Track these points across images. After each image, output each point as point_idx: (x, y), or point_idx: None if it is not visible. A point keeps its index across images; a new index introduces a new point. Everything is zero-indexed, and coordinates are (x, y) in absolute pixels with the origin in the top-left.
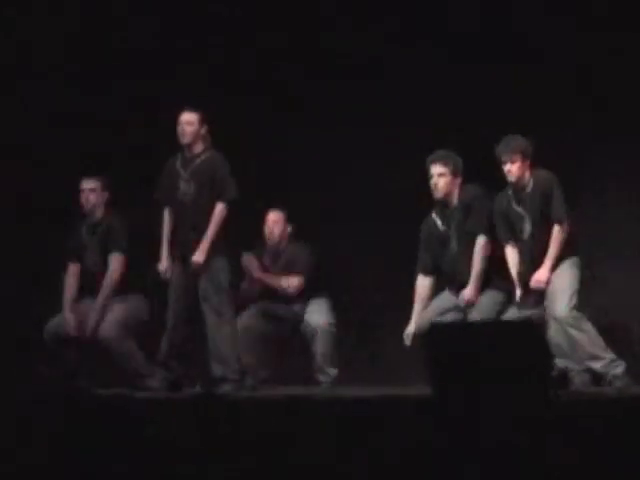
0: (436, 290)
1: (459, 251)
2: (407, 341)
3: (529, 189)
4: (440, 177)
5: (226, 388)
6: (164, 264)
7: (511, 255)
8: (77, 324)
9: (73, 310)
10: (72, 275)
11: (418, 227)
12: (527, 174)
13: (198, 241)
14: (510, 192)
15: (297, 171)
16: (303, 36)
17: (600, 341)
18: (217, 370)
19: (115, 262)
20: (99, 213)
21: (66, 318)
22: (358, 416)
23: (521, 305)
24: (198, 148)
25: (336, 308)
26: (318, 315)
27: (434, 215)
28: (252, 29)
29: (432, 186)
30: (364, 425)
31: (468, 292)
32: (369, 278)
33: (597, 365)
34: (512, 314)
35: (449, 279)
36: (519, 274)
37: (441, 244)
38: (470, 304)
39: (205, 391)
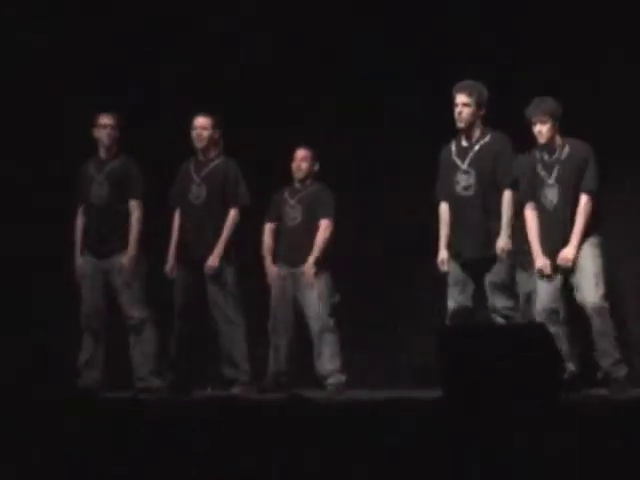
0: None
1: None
2: (442, 267)
3: (563, 156)
4: (464, 107)
5: (237, 390)
6: (170, 265)
7: (531, 218)
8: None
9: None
10: (81, 217)
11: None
12: (558, 138)
13: (206, 244)
14: (537, 155)
15: None
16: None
17: (615, 339)
18: (229, 373)
19: (137, 210)
20: (113, 150)
21: (78, 266)
22: (366, 419)
23: (547, 278)
24: (212, 153)
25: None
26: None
27: (453, 147)
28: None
29: (455, 114)
30: (374, 428)
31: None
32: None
33: (605, 362)
34: (531, 284)
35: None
36: (540, 243)
37: (453, 174)
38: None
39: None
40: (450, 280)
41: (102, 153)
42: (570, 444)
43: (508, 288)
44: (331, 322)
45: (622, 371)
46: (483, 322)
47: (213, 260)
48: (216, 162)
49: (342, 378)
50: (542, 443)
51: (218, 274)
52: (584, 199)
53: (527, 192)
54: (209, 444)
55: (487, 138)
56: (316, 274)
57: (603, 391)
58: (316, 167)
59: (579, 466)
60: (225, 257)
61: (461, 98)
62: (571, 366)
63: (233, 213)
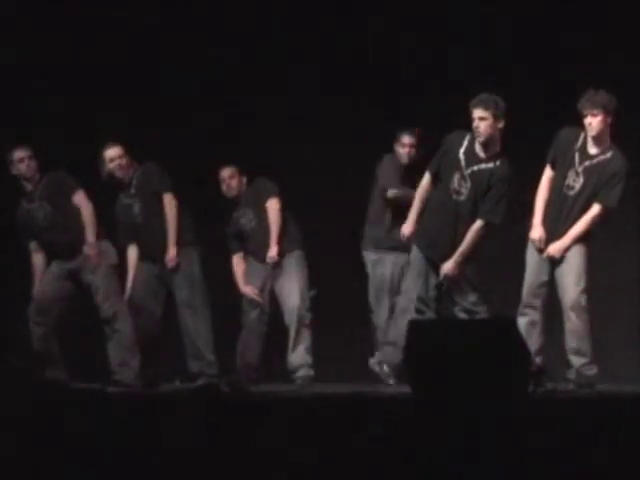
0: None
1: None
2: (404, 239)
3: (601, 157)
4: (481, 121)
5: (202, 383)
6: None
7: (545, 184)
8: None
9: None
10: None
11: None
12: (607, 136)
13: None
14: (582, 138)
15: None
16: None
17: (589, 338)
18: (194, 365)
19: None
20: (130, 173)
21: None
22: (337, 415)
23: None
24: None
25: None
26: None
27: (465, 143)
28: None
29: (474, 129)
30: (344, 424)
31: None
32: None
33: (578, 361)
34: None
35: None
36: (545, 216)
37: (452, 170)
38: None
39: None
40: (413, 271)
41: None
42: (539, 439)
43: (470, 282)
44: (308, 317)
45: (592, 371)
46: (450, 318)
47: (170, 252)
48: (137, 173)
49: (311, 372)
50: (511, 439)
51: (178, 264)
52: (597, 209)
53: (554, 161)
54: (176, 437)
55: (497, 163)
56: (296, 267)
57: (571, 386)
58: (244, 180)
59: (548, 461)
60: (181, 244)
61: (478, 112)
62: (538, 360)
63: (167, 200)
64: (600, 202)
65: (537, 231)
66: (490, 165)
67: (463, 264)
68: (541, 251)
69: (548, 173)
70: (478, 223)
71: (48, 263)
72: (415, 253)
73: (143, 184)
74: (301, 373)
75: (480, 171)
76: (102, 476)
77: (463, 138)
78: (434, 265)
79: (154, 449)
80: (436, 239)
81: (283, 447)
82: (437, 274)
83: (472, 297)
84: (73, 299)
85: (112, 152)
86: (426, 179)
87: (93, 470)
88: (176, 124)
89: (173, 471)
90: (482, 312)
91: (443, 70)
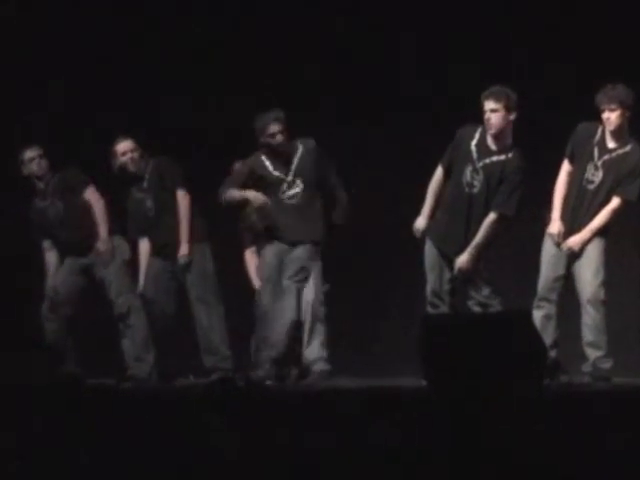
0: None
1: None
2: (417, 234)
3: (621, 150)
4: (492, 113)
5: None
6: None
7: (563, 179)
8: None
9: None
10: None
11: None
12: (626, 130)
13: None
14: (600, 132)
15: None
16: None
17: (605, 331)
18: (208, 360)
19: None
20: (142, 167)
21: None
22: (354, 409)
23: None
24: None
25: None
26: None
27: (477, 135)
28: None
29: (485, 122)
30: (361, 419)
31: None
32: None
33: (594, 354)
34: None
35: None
36: (564, 211)
37: (464, 163)
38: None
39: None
40: (427, 265)
41: None
42: (555, 432)
43: (484, 275)
44: (322, 311)
45: (608, 364)
46: (466, 312)
47: (182, 249)
48: (150, 167)
49: (327, 367)
50: (528, 431)
51: (191, 260)
52: (616, 203)
53: (572, 156)
54: (186, 432)
55: (510, 155)
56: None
57: (586, 379)
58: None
59: (563, 454)
60: (194, 240)
61: (489, 104)
62: (553, 354)
63: (180, 196)
64: (620, 195)
65: (556, 225)
66: (502, 157)
67: (477, 257)
68: (559, 245)
69: (566, 167)
70: (492, 216)
71: (61, 260)
72: (428, 247)
73: (156, 179)
74: (317, 367)
75: (492, 163)
76: (116, 472)
77: (475, 131)
78: (448, 259)
79: (169, 444)
80: (449, 233)
81: (299, 442)
82: (451, 268)
83: (486, 290)
84: (87, 294)
85: (123, 146)
86: (438, 173)
87: (107, 466)
88: (193, 120)
89: (187, 467)
90: (496, 305)
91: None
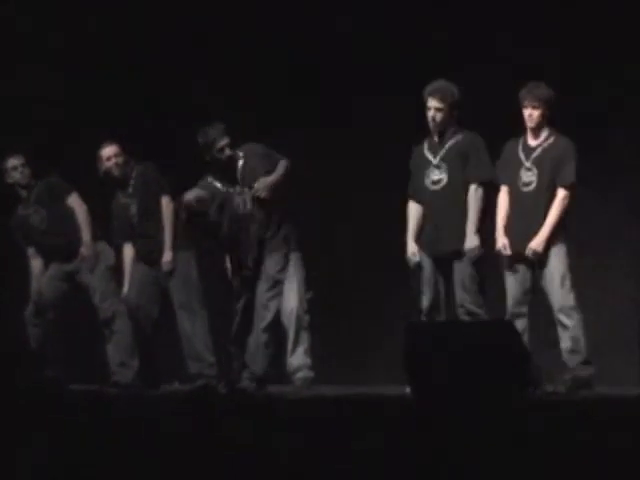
0: None
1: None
2: (413, 259)
3: (546, 144)
4: (437, 112)
5: (201, 384)
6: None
7: (502, 200)
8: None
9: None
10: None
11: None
12: (546, 128)
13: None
14: (521, 139)
15: None
16: None
17: (583, 337)
18: (193, 367)
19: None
20: (128, 172)
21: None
22: (338, 417)
23: (512, 268)
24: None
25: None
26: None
27: (425, 144)
28: None
29: (429, 119)
30: (344, 426)
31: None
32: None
33: (574, 361)
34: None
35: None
36: (507, 227)
37: (424, 168)
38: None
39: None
40: (423, 280)
41: None
42: (539, 439)
43: (475, 284)
44: (306, 319)
45: (588, 371)
46: (450, 319)
47: (166, 255)
48: (135, 173)
49: (311, 374)
50: (511, 439)
51: (175, 267)
52: (561, 194)
53: (504, 177)
54: (174, 437)
55: (459, 137)
56: (294, 269)
57: (568, 387)
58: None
59: (548, 461)
60: (177, 247)
61: (434, 103)
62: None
63: (164, 202)
64: (561, 184)
65: (500, 241)
66: (455, 139)
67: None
68: (513, 255)
69: (502, 190)
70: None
71: (46, 267)
72: (423, 261)
73: (141, 185)
74: (301, 375)
75: (447, 150)
76: (101, 477)
77: (420, 145)
78: (442, 269)
79: (153, 449)
80: (433, 236)
81: (282, 448)
82: (445, 278)
83: (476, 299)
84: (71, 300)
85: (108, 150)
86: (410, 204)
87: (92, 471)
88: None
89: (171, 472)
90: (483, 314)
91: None
